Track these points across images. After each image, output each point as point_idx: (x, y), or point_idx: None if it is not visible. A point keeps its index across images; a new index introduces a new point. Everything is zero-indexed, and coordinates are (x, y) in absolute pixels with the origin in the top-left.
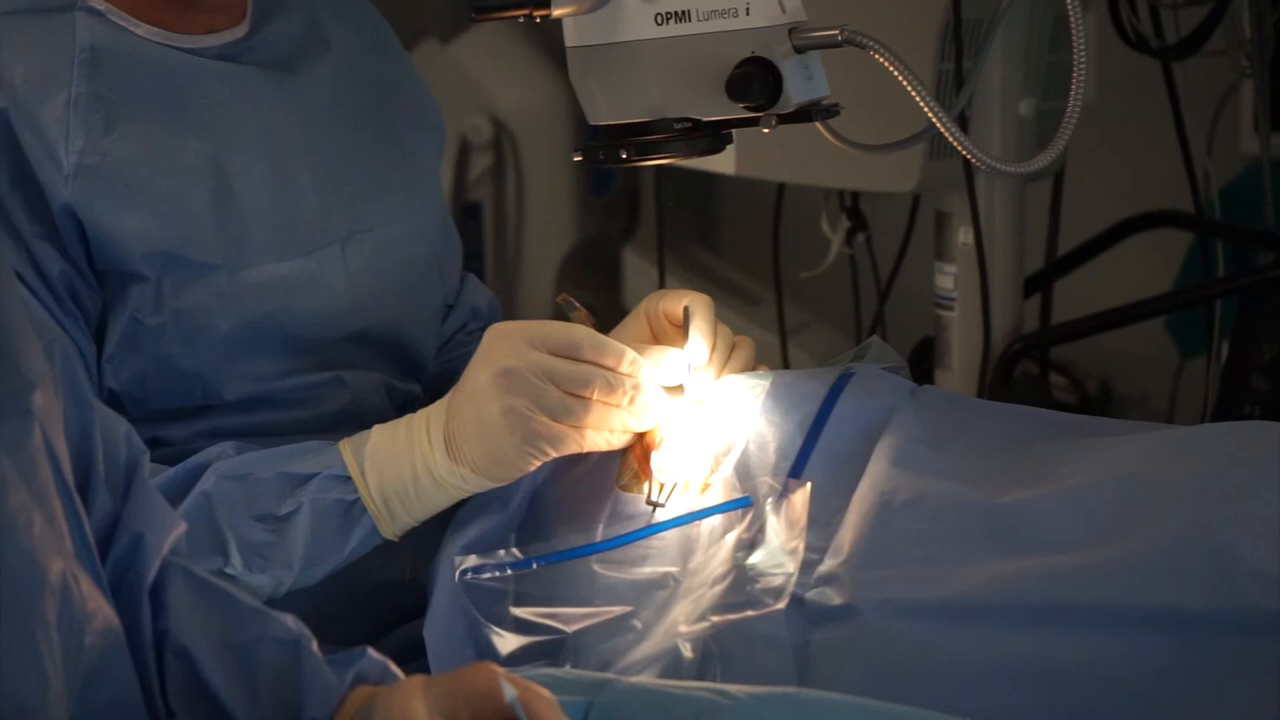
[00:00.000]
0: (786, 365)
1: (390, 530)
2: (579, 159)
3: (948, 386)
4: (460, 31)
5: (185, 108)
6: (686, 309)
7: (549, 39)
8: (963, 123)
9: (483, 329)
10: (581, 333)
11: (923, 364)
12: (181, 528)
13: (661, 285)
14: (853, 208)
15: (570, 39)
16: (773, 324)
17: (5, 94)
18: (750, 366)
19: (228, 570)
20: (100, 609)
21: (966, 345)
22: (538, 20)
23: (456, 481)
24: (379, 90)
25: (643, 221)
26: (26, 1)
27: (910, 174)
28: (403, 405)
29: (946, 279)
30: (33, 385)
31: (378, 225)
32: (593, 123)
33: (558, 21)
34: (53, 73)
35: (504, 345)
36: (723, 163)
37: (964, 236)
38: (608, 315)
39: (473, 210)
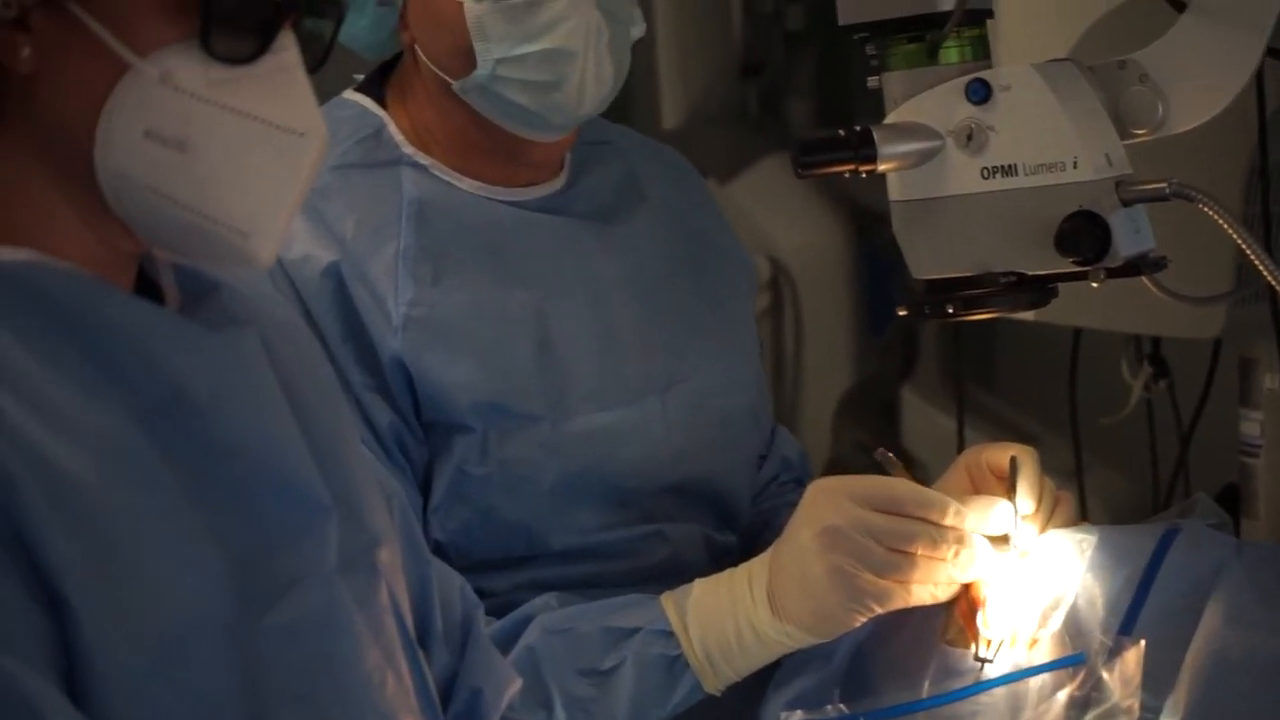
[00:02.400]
0: (1084, 513)
1: (713, 685)
2: (904, 313)
3: (1254, 536)
4: (738, 172)
5: (508, 259)
6: (1013, 460)
7: (827, 180)
8: None
9: (795, 480)
10: (903, 487)
11: (1227, 513)
12: (517, 684)
13: (960, 431)
14: (1154, 353)
15: (894, 193)
16: (1052, 466)
17: (337, 247)
18: (1072, 522)
19: None
20: None
21: (1274, 493)
22: (863, 175)
23: (781, 638)
24: (693, 240)
25: (921, 361)
26: (355, 156)
27: (1215, 320)
28: (720, 557)
29: (1252, 425)
30: (379, 541)
31: (696, 375)
32: (916, 276)
33: None
34: (381, 226)
35: (827, 502)
36: None
37: (1270, 382)
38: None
39: None
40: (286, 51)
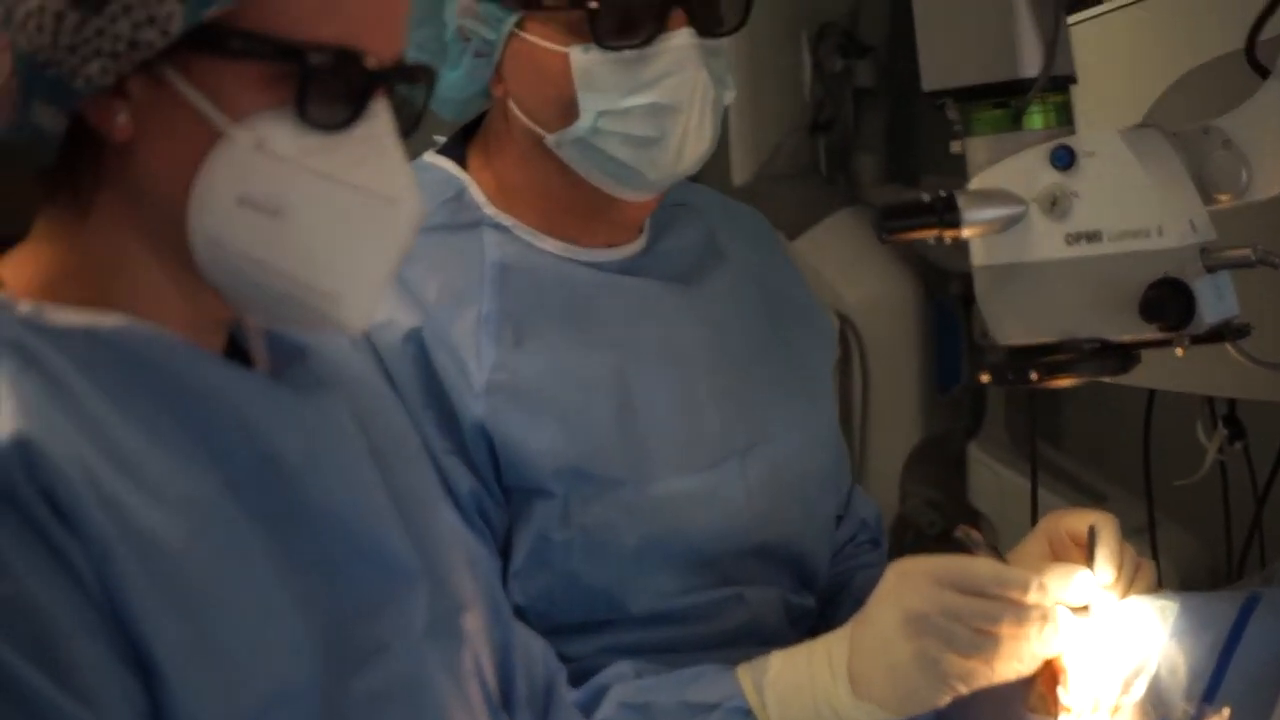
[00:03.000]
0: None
1: None
2: (986, 379)
3: None
4: (806, 227)
5: (590, 322)
6: (1092, 528)
7: None
8: None
9: (871, 541)
10: (985, 566)
11: None
12: None
13: (1033, 491)
14: (1230, 415)
15: (977, 259)
16: (1122, 525)
17: (419, 311)
18: (1153, 590)
19: None
20: None
21: None
22: (948, 241)
23: (862, 717)
24: (773, 301)
25: (988, 418)
26: (437, 219)
27: None
28: (798, 620)
29: None
30: (464, 607)
31: (776, 437)
32: (1000, 343)
33: None
34: (464, 290)
35: (910, 586)
36: None
37: None
38: (953, 514)
39: None
40: (379, 118)
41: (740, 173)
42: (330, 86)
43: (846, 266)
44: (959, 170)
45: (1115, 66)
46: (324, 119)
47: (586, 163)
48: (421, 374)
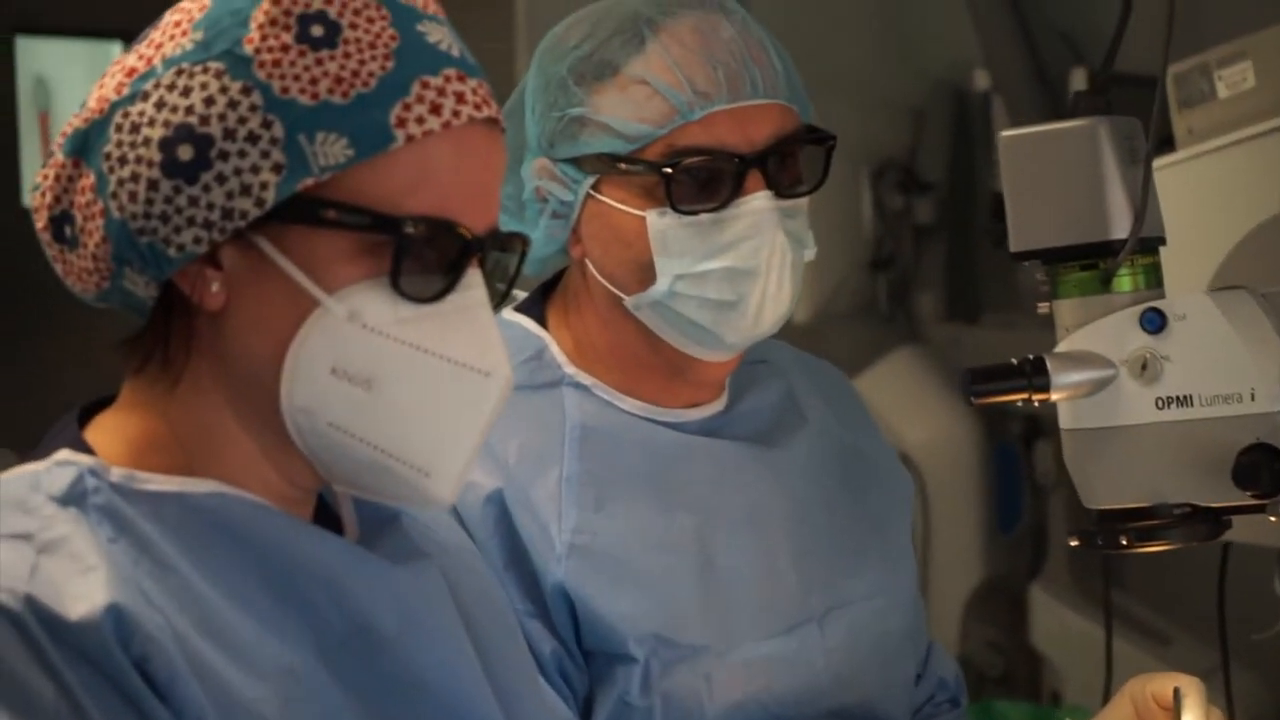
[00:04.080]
0: None
1: None
2: (1076, 544)
3: None
4: (867, 366)
5: (671, 484)
6: (1177, 691)
7: (955, 372)
8: None
9: (950, 701)
10: None
11: None
12: None
13: (1108, 642)
14: None
15: (1066, 422)
16: (1185, 666)
17: (500, 473)
18: None
19: None
20: None
21: None
22: (1035, 404)
23: None
24: (851, 461)
25: (1050, 558)
26: (518, 379)
27: None
28: None
29: None
30: None
31: (855, 600)
32: (1088, 506)
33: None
34: (544, 451)
35: None
36: None
37: None
38: (1014, 654)
39: None
40: (473, 289)
41: (801, 311)
42: (425, 258)
43: (906, 405)
44: (1019, 307)
45: (1194, 213)
46: (418, 291)
47: (665, 325)
48: (503, 536)
